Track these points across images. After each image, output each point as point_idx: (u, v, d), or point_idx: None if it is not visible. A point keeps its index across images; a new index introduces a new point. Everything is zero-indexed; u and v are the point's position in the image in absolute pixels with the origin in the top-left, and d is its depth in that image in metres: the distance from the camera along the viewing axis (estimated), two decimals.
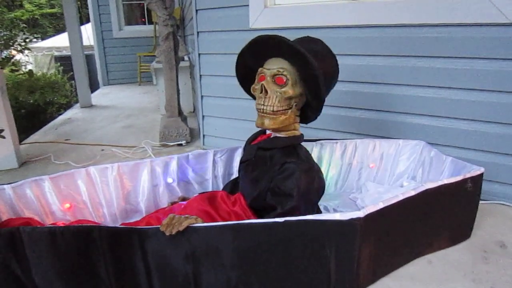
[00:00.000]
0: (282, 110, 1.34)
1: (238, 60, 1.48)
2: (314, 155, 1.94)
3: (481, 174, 1.48)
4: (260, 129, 1.49)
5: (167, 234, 1.08)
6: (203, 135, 2.82)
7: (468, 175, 1.43)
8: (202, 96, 2.74)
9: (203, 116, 2.78)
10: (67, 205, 1.55)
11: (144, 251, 1.12)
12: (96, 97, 5.12)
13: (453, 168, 1.61)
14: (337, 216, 1.15)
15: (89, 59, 6.75)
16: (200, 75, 2.68)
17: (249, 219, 1.41)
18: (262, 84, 1.34)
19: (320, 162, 1.94)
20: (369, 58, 2.02)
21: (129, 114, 4.07)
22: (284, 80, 1.31)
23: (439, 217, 1.45)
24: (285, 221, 1.14)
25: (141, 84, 6.10)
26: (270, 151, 1.38)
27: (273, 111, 1.33)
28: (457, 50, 1.79)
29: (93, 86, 6.19)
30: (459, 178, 1.41)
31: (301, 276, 1.21)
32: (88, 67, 6.33)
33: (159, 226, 1.10)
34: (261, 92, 1.34)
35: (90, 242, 1.10)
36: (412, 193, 1.30)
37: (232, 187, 1.70)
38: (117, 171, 1.60)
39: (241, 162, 1.54)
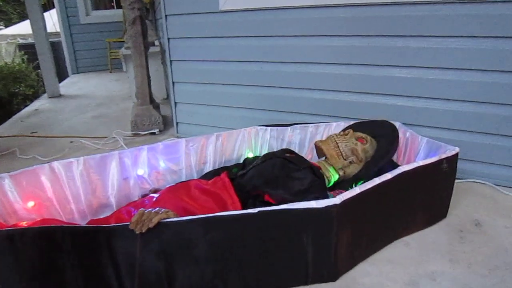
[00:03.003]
0: (339, 150, 1.56)
1: None
2: (289, 140, 1.90)
3: (456, 154, 1.48)
4: None
5: (137, 232, 1.02)
6: (177, 123, 2.74)
7: (443, 156, 1.42)
8: (173, 82, 2.64)
9: (175, 103, 2.70)
10: (31, 203, 1.46)
11: (112, 250, 1.06)
12: (65, 87, 4.91)
13: (429, 149, 1.60)
14: (313, 204, 1.12)
15: (57, 46, 6.47)
16: (171, 61, 2.58)
17: (232, 200, 1.37)
18: (350, 130, 1.63)
19: (295, 146, 1.91)
20: (342, 39, 1.97)
21: (99, 103, 3.92)
22: (363, 142, 1.59)
23: (415, 199, 1.44)
24: (259, 211, 1.10)
25: (112, 71, 5.90)
26: (313, 176, 1.43)
27: (336, 143, 1.58)
28: (431, 28, 1.77)
29: (62, 74, 5.95)
30: (434, 159, 1.40)
31: (278, 266, 1.18)
32: (56, 55, 6.07)
33: (127, 223, 1.04)
34: (345, 134, 1.62)
35: (53, 244, 1.03)
36: (389, 176, 1.28)
37: (212, 178, 1.64)
38: (83, 165, 1.52)
39: (279, 156, 1.53)
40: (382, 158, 1.52)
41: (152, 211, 1.06)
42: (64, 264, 1.05)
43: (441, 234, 1.50)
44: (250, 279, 1.17)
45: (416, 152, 1.66)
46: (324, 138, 1.90)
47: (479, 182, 1.87)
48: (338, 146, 1.57)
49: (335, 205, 1.13)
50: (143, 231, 1.02)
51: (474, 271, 1.29)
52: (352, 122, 1.89)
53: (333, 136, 1.62)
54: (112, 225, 1.07)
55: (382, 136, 1.62)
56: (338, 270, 1.25)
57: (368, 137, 1.61)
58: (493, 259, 1.35)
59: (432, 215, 1.54)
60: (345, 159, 1.55)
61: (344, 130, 1.71)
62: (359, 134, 1.62)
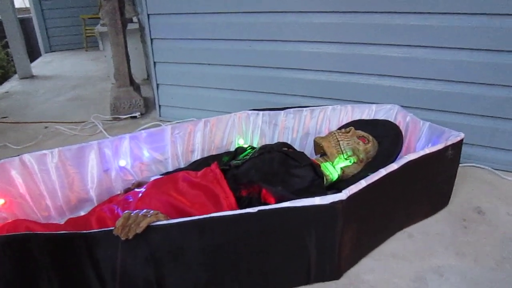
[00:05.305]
0: (339, 147, 1.47)
1: None
2: (283, 125, 1.79)
3: (461, 140, 1.39)
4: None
5: (123, 238, 0.90)
6: (159, 106, 2.59)
7: (449, 143, 1.34)
8: (155, 63, 2.48)
9: (157, 85, 2.53)
10: (1, 201, 1.31)
11: (94, 258, 0.94)
12: (37, 67, 4.63)
13: (431, 134, 1.51)
14: (317, 201, 1.02)
15: (27, 23, 6.09)
16: (151, 39, 2.40)
17: (225, 194, 1.26)
18: (351, 128, 1.53)
19: (289, 131, 1.80)
20: (337, 16, 1.84)
21: (75, 84, 3.69)
22: (365, 141, 1.49)
23: (419, 188, 1.36)
24: (259, 210, 0.99)
25: (88, 50, 5.60)
26: (314, 174, 1.34)
27: (338, 140, 1.48)
28: (432, 5, 1.65)
29: (34, 53, 5.62)
30: (440, 146, 1.31)
31: (279, 267, 1.09)
32: (27, 32, 5.70)
33: (111, 229, 0.92)
34: (347, 132, 1.52)
35: (26, 253, 0.91)
36: (395, 166, 1.19)
37: (198, 167, 1.53)
38: (58, 158, 1.37)
39: (278, 150, 1.42)
40: (384, 161, 1.43)
41: (140, 214, 0.94)
42: (40, 275, 0.92)
43: (444, 224, 1.43)
44: (248, 282, 1.08)
45: (417, 137, 1.57)
46: (319, 124, 1.80)
47: (477, 167, 1.81)
48: (339, 144, 1.47)
49: (341, 201, 1.03)
50: (130, 237, 0.90)
51: (481, 265, 1.23)
52: (348, 105, 1.79)
53: (334, 133, 1.52)
54: (93, 231, 0.95)
55: (385, 137, 1.54)
56: (341, 268, 1.17)
57: (370, 137, 1.52)
58: (499, 250, 1.29)
59: (434, 204, 1.47)
60: (346, 158, 1.46)
61: (344, 127, 1.60)
62: (361, 133, 1.53)
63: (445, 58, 1.71)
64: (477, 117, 1.76)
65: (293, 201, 1.01)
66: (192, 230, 0.96)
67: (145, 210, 0.97)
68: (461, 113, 1.78)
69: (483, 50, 1.65)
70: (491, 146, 1.78)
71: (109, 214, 1.22)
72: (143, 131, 1.55)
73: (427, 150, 1.28)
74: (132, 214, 0.94)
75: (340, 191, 1.05)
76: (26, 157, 1.34)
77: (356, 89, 1.92)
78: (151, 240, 0.94)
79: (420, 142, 1.55)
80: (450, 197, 1.52)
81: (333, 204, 1.03)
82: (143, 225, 0.91)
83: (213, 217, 0.96)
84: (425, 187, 1.38)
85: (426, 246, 1.32)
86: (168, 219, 0.97)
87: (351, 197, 1.05)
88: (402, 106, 1.76)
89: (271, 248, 1.05)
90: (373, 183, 1.12)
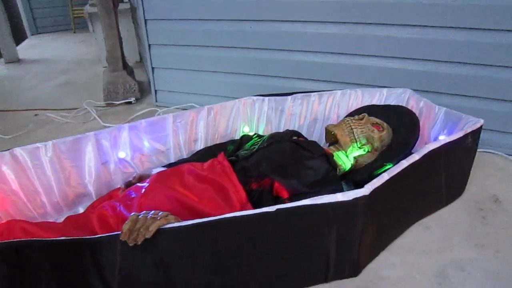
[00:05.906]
0: (353, 135, 1.38)
1: None
2: (290, 111, 1.70)
3: (481, 127, 1.32)
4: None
5: (131, 244, 0.82)
6: (155, 90, 2.48)
7: (469, 130, 1.27)
8: (149, 45, 2.35)
9: (152, 69, 2.42)
10: None
11: (99, 265, 0.86)
12: (24, 50, 4.44)
13: (447, 120, 1.44)
14: (338, 197, 0.95)
15: (10, 3, 5.84)
16: (145, 20, 2.27)
17: (235, 188, 1.18)
18: (365, 115, 1.44)
19: (296, 118, 1.71)
20: None
21: (65, 68, 3.54)
22: (379, 129, 1.40)
23: (437, 178, 1.30)
24: (278, 209, 0.91)
25: (76, 31, 5.39)
26: (328, 165, 1.26)
27: (351, 126, 1.40)
28: None
29: (19, 36, 5.39)
30: (460, 134, 1.24)
31: (296, 267, 1.03)
32: (10, 13, 5.47)
33: (116, 233, 0.84)
34: (360, 119, 1.43)
35: (25, 261, 0.82)
36: (416, 157, 1.12)
37: (202, 157, 1.45)
38: (52, 151, 1.28)
39: (290, 140, 1.35)
40: (400, 151, 1.36)
41: (148, 216, 0.86)
42: (39, 284, 0.84)
43: (461, 214, 1.37)
44: (264, 283, 1.01)
45: (432, 124, 1.50)
46: (327, 109, 1.72)
47: (491, 153, 1.75)
48: (352, 132, 1.39)
49: (363, 197, 0.96)
50: (139, 242, 0.82)
51: (503, 258, 1.18)
52: (358, 89, 1.71)
53: (347, 121, 1.43)
54: (97, 236, 0.86)
55: (399, 124, 1.45)
56: (360, 264, 1.11)
57: (385, 124, 1.43)
58: None
59: (450, 193, 1.41)
60: (359, 147, 1.37)
61: (356, 113, 1.52)
62: (375, 119, 1.44)
63: (459, 39, 1.62)
64: (491, 101, 1.69)
65: (314, 198, 0.93)
66: (205, 232, 0.89)
67: (153, 212, 0.89)
68: (474, 96, 1.71)
69: (498, 30, 1.56)
70: (506, 131, 1.72)
71: (111, 212, 1.14)
72: (142, 120, 1.46)
73: (448, 139, 1.21)
74: (140, 216, 0.86)
75: (362, 185, 0.98)
76: (18, 151, 1.24)
77: (366, 72, 1.83)
78: (161, 244, 0.87)
79: (435, 129, 1.48)
80: (465, 186, 1.46)
81: (356, 200, 0.95)
82: (153, 229, 0.83)
83: (227, 218, 0.88)
84: (442, 176, 1.31)
85: (444, 238, 1.26)
86: (179, 221, 0.89)
87: (373, 192, 0.98)
88: (416, 90, 1.68)
89: (288, 247, 0.98)
90: (395, 175, 1.04)
